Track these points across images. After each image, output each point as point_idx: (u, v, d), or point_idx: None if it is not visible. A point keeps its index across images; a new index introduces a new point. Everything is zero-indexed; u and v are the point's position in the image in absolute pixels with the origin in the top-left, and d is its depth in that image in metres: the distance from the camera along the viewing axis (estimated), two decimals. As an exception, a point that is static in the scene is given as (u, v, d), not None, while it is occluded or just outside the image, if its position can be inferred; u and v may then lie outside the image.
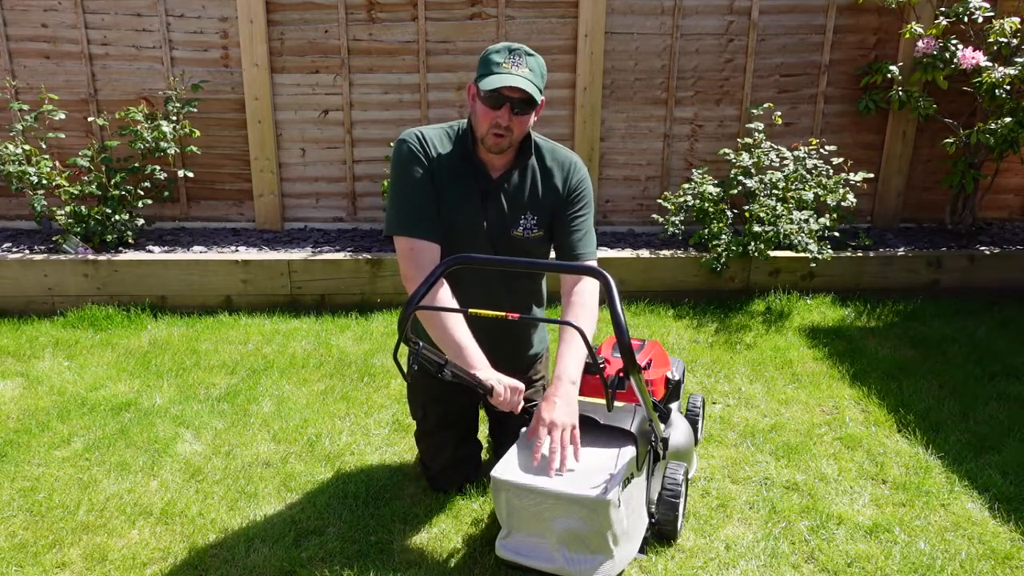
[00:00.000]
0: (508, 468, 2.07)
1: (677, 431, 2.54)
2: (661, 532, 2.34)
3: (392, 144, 4.78)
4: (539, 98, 2.14)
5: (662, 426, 2.38)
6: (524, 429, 2.22)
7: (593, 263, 2.33)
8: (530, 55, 2.14)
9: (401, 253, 2.21)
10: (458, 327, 2.15)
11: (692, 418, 2.85)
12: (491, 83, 2.08)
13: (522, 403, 2.18)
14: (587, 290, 2.28)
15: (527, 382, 2.52)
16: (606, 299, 1.75)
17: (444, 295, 2.18)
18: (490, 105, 2.11)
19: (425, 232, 2.19)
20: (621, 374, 1.90)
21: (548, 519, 2.01)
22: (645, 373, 2.43)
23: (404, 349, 1.89)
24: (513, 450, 2.15)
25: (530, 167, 2.29)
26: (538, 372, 2.62)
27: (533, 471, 2.05)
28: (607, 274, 1.77)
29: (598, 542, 2.00)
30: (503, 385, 2.10)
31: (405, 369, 1.91)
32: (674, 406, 2.65)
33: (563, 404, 2.09)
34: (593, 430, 2.19)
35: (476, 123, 2.19)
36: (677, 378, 2.63)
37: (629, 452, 2.11)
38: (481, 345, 2.20)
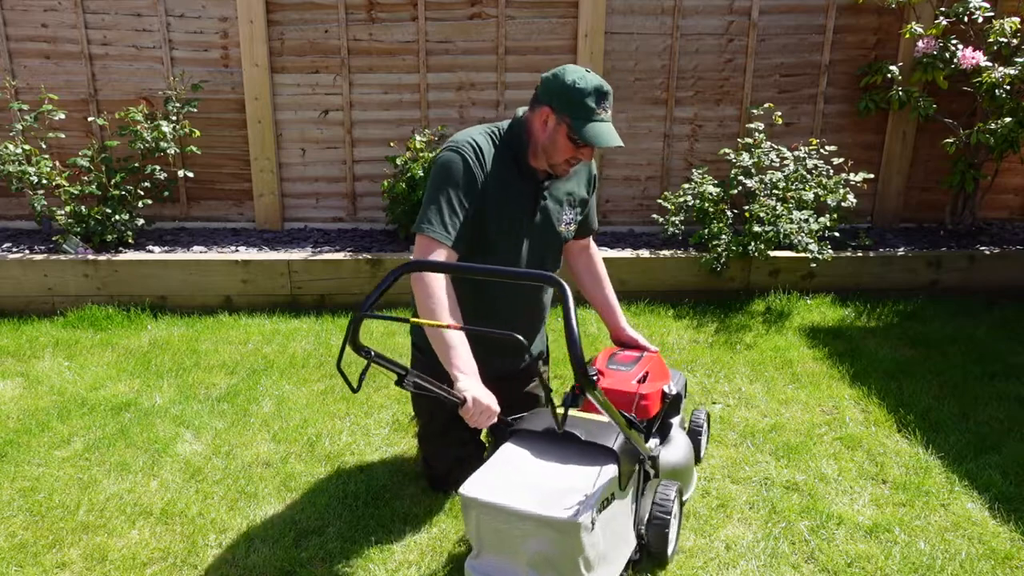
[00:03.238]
0: (479, 485, 1.96)
1: (675, 447, 2.48)
2: (651, 554, 2.26)
3: (392, 144, 4.83)
4: None
5: (654, 443, 2.33)
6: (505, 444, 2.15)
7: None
8: (610, 89, 2.22)
9: (419, 250, 2.21)
10: (451, 332, 2.13)
11: (695, 434, 2.80)
12: (597, 139, 2.15)
13: (491, 421, 2.09)
14: (597, 250, 2.71)
15: (527, 379, 2.54)
16: (562, 307, 1.69)
17: (450, 298, 2.16)
18: (581, 147, 2.20)
19: (452, 240, 2.19)
20: (577, 390, 1.81)
21: (518, 540, 1.92)
22: (638, 387, 2.34)
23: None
24: (488, 464, 2.06)
25: None
26: (539, 369, 2.63)
27: (505, 489, 1.95)
28: (563, 282, 1.70)
29: (569, 567, 1.89)
30: (473, 398, 2.02)
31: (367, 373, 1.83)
32: (675, 421, 2.59)
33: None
34: (576, 446, 2.09)
35: (550, 151, 2.23)
36: (675, 392, 2.50)
37: (610, 471, 2.01)
38: (501, 341, 2.21)
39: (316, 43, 4.78)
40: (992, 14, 4.50)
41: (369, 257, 4.37)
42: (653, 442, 2.35)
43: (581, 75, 2.17)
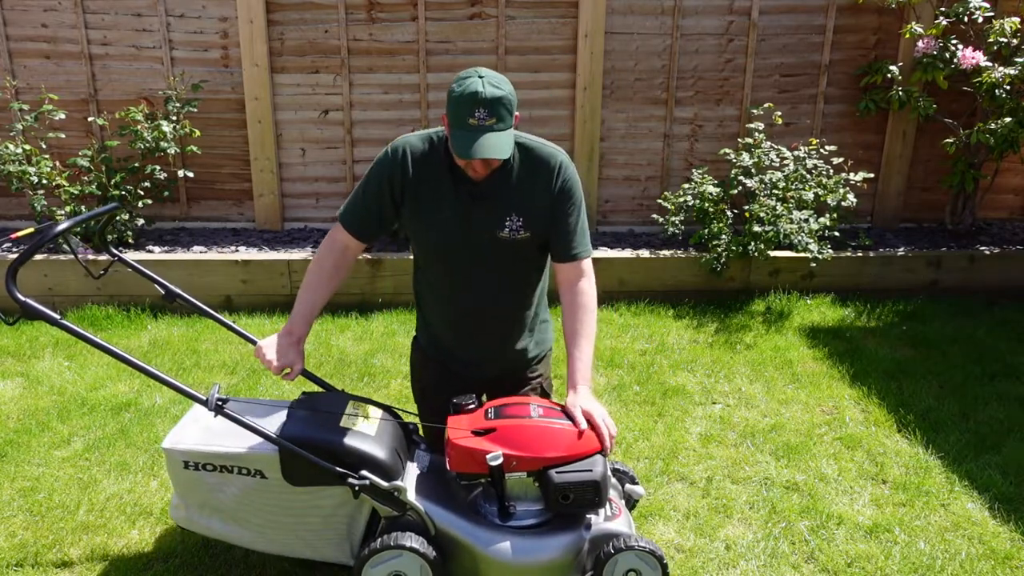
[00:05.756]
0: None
1: (538, 539, 2.03)
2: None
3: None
4: (510, 147, 2.07)
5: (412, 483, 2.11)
6: None
7: (589, 259, 2.29)
8: (496, 96, 2.00)
9: (328, 235, 2.34)
10: (308, 292, 2.29)
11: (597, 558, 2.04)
12: (460, 149, 2.02)
13: (274, 371, 2.20)
14: (588, 291, 2.24)
15: (523, 380, 2.48)
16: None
17: (320, 268, 2.29)
18: (461, 158, 2.08)
19: (354, 226, 2.30)
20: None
21: None
22: (454, 434, 2.07)
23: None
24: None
25: (514, 169, 2.24)
26: (536, 371, 2.56)
27: (196, 429, 2.18)
28: None
29: (177, 492, 2.15)
30: (258, 345, 2.20)
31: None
32: (594, 518, 2.06)
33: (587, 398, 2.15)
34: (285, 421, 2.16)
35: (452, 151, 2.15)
36: (498, 463, 1.99)
37: (243, 447, 2.07)
38: (470, 336, 2.33)
39: (316, 43, 4.78)
40: (992, 14, 4.49)
41: (369, 257, 4.37)
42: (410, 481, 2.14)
43: (464, 79, 2.03)
